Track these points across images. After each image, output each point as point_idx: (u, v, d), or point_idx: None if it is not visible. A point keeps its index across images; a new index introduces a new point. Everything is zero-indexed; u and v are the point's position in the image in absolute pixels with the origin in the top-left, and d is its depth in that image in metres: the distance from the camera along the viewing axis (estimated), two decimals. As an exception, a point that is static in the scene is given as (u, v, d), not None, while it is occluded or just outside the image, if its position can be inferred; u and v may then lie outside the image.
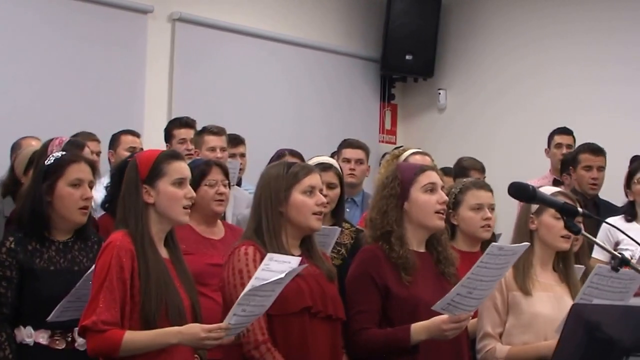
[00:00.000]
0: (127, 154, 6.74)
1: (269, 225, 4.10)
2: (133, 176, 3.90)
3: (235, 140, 7.18)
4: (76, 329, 4.17)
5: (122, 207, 3.90)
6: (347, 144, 7.08)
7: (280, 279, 3.67)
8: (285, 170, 4.19)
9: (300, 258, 3.89)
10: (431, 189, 4.34)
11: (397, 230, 4.30)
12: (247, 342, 3.94)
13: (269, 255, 3.75)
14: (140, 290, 3.74)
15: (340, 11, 10.23)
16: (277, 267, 3.70)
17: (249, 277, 3.91)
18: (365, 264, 4.28)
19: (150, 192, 3.86)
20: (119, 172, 5.29)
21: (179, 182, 3.89)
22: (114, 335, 3.67)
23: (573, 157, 7.19)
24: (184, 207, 3.89)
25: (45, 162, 4.42)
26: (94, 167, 4.48)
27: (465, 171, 7.37)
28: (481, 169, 7.57)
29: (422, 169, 4.42)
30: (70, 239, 4.41)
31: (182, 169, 3.92)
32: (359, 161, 6.94)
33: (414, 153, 5.58)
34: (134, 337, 3.69)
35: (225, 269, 4.08)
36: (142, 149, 6.88)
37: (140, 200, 3.85)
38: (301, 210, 4.13)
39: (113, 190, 5.35)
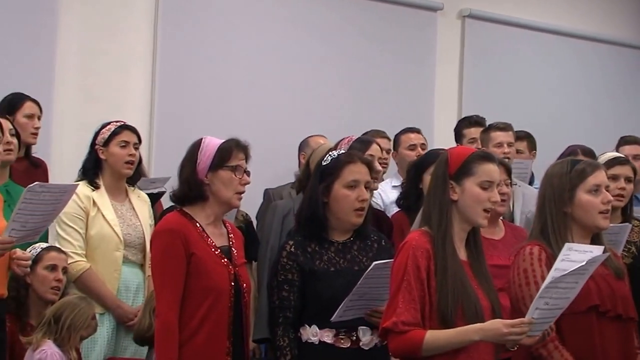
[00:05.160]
0: (409, 152, 6.78)
1: (554, 226, 4.01)
2: (442, 170, 3.84)
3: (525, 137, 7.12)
4: (360, 328, 4.27)
5: (427, 202, 3.86)
6: (623, 141, 6.88)
7: (582, 268, 3.58)
8: (569, 169, 4.06)
9: (602, 247, 3.79)
10: None
11: None
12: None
13: (567, 245, 3.68)
14: (436, 290, 3.69)
15: (634, 4, 9.89)
16: (578, 256, 3.61)
17: (534, 276, 3.91)
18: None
19: (455, 189, 3.80)
20: (415, 169, 5.36)
21: (487, 185, 3.81)
22: (416, 336, 3.64)
23: None
24: (485, 210, 3.81)
25: (323, 162, 4.45)
26: (371, 167, 4.46)
27: None
28: None
29: None
30: (349, 239, 4.42)
31: (491, 171, 3.83)
32: (636, 157, 6.71)
33: None
34: (435, 336, 3.64)
35: (511, 269, 4.03)
36: (424, 144, 6.89)
37: (446, 196, 3.78)
38: (588, 210, 4.02)
39: (408, 187, 5.41)
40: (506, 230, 4.97)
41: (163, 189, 5.81)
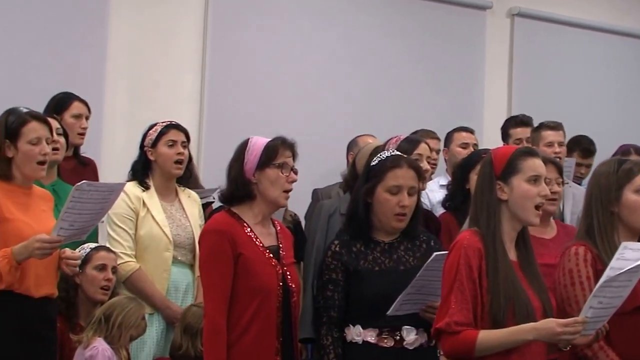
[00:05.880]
0: (460, 150, 6.76)
1: (600, 225, 4.00)
2: (487, 172, 3.83)
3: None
4: (405, 327, 4.25)
5: (475, 204, 3.85)
6: None
7: (638, 266, 3.56)
8: (616, 168, 4.05)
9: None
10: None
11: None
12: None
13: (623, 243, 3.65)
14: (488, 290, 3.68)
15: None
16: (632, 255, 3.59)
17: (579, 277, 3.90)
18: None
19: (504, 189, 3.78)
20: (460, 169, 5.34)
21: (534, 180, 3.79)
22: (469, 336, 3.63)
23: None
24: (536, 207, 3.79)
25: (372, 162, 4.44)
26: (418, 172, 4.43)
27: None
28: None
29: None
30: (396, 239, 4.40)
31: (537, 166, 3.82)
32: None
33: None
34: (488, 336, 3.63)
35: (557, 270, 4.03)
36: (476, 145, 6.87)
37: (493, 196, 3.77)
38: (635, 210, 4.01)
39: (454, 188, 5.39)
40: (558, 229, 4.93)
41: (212, 199, 5.82)
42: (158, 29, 7.28)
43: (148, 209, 5.24)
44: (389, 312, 4.18)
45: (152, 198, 5.28)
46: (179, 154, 5.31)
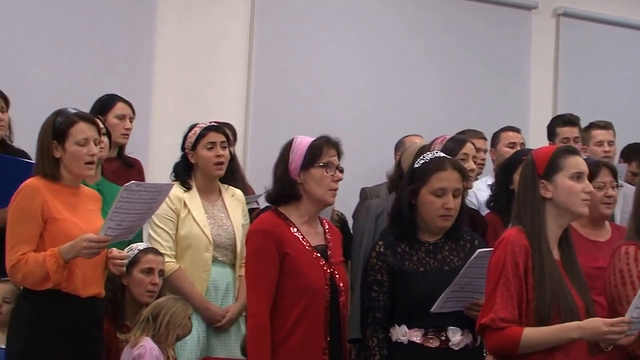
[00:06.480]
0: (508, 150, 6.72)
1: None
2: (530, 172, 3.85)
3: None
4: (450, 328, 4.24)
5: (518, 204, 3.86)
6: None
7: None
8: None
9: None
10: None
11: None
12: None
13: None
14: (534, 287, 3.69)
15: None
16: None
17: (630, 276, 3.90)
18: None
19: (547, 187, 3.79)
20: (503, 171, 5.31)
21: (577, 177, 3.80)
22: (513, 332, 3.64)
23: None
24: (583, 200, 3.80)
25: (415, 164, 4.42)
26: (463, 173, 4.40)
27: None
28: None
29: None
30: (441, 240, 4.38)
31: (579, 163, 3.84)
32: None
33: None
34: (533, 333, 3.64)
35: (607, 269, 4.02)
36: (522, 144, 6.83)
37: (537, 196, 3.80)
38: None
39: (498, 188, 5.36)
40: (613, 232, 4.91)
41: (256, 205, 5.82)
42: (205, 31, 7.33)
43: (189, 210, 5.25)
44: (432, 309, 4.18)
45: (193, 199, 5.29)
46: (218, 156, 5.31)
